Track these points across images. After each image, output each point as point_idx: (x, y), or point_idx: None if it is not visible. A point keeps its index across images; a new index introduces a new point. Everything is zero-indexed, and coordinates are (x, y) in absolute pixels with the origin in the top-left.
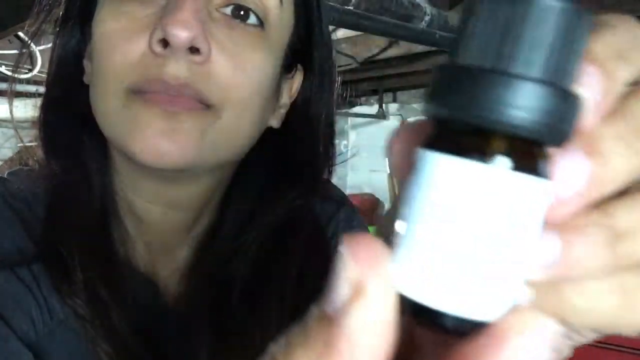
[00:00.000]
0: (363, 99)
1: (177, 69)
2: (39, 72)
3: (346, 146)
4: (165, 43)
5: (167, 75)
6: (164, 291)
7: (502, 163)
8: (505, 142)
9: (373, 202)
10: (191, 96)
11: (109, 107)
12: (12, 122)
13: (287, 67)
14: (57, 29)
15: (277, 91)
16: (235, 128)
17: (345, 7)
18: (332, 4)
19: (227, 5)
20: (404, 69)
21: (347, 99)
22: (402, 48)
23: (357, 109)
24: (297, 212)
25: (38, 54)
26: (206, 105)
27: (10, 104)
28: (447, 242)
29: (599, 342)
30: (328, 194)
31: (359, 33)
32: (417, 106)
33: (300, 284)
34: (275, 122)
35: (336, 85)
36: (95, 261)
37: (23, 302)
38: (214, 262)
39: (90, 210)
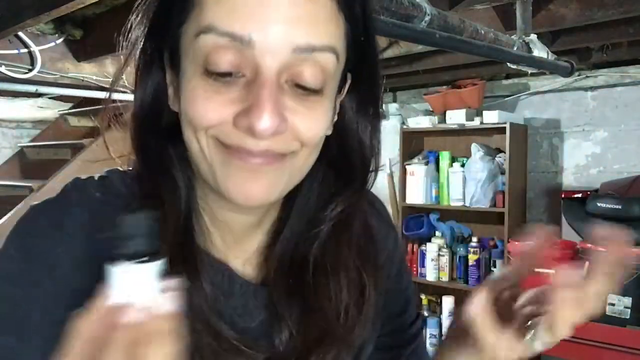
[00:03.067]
0: None
1: (258, 143)
2: (38, 72)
3: None
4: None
5: (250, 145)
6: (239, 274)
7: (130, 262)
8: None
9: None
10: (272, 155)
11: (203, 152)
12: (101, 133)
13: (339, 86)
14: (141, 62)
15: (332, 112)
16: (307, 160)
17: None
18: None
19: (290, 80)
20: (404, 69)
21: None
22: (402, 48)
23: None
24: (352, 207)
25: (38, 54)
26: (286, 153)
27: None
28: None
29: (599, 342)
30: (382, 214)
31: None
32: (417, 106)
33: (360, 256)
34: (329, 131)
35: (381, 95)
36: (181, 252)
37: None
38: (285, 248)
39: (177, 211)
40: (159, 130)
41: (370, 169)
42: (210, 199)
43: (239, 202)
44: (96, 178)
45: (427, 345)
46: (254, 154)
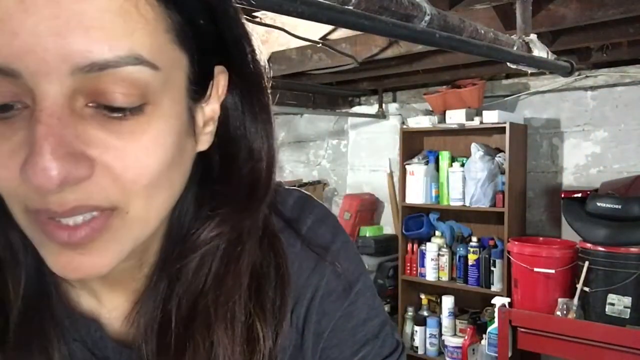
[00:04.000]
0: (363, 99)
1: (60, 198)
2: None
3: (346, 146)
4: None
5: (52, 205)
6: (114, 334)
7: None
8: None
9: (373, 202)
10: (87, 220)
11: (16, 217)
12: None
13: (198, 90)
14: None
15: (191, 127)
16: (148, 212)
17: (345, 7)
18: (331, 3)
19: (93, 102)
20: (404, 68)
21: (347, 98)
22: (402, 48)
23: (357, 109)
24: (237, 231)
25: None
26: (108, 209)
27: None
28: None
29: (599, 342)
30: (315, 243)
31: (359, 33)
32: (417, 106)
33: (254, 299)
34: (204, 146)
35: (267, 83)
36: (31, 322)
37: None
38: (156, 294)
39: (18, 277)
40: None
41: (264, 183)
42: None
43: (67, 277)
44: None
45: (427, 345)
46: (64, 215)
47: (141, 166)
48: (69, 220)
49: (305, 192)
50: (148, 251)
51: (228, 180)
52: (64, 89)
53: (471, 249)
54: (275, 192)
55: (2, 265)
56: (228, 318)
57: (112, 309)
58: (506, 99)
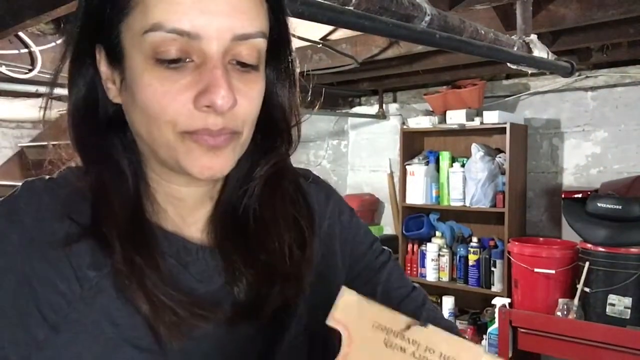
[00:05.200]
0: (363, 99)
1: (217, 120)
2: (39, 72)
3: (346, 146)
4: (208, 105)
5: (211, 124)
6: (195, 241)
7: None
8: None
9: (373, 202)
10: (226, 133)
11: (164, 141)
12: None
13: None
14: (71, 55)
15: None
16: (249, 135)
17: (345, 7)
18: (332, 4)
19: (233, 60)
20: (404, 69)
21: (347, 99)
22: (402, 48)
23: (357, 109)
24: (280, 164)
25: (38, 54)
26: (235, 133)
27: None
28: None
29: (599, 342)
30: (321, 184)
31: (359, 33)
32: (417, 106)
33: (293, 207)
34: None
35: (296, 63)
36: (133, 232)
37: (50, 280)
38: (226, 208)
39: (124, 195)
40: (96, 123)
41: (293, 133)
42: (163, 178)
43: (201, 177)
44: (47, 177)
45: None
46: (214, 133)
47: (253, 105)
48: (217, 139)
49: None
50: (216, 182)
51: (269, 130)
52: (224, 49)
53: (471, 250)
54: None
55: (109, 191)
56: (284, 218)
57: (191, 224)
58: (506, 99)
